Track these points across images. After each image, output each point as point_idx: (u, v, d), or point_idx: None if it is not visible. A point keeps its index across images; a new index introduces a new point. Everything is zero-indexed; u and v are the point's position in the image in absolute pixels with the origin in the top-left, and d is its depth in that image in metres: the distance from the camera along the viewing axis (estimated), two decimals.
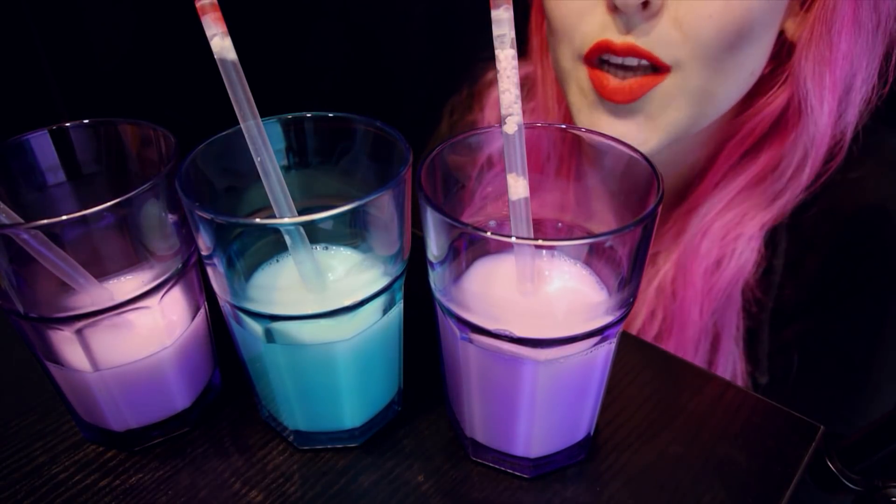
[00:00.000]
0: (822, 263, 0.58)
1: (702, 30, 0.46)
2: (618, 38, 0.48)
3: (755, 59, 0.50)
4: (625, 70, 0.49)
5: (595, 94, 0.51)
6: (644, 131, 0.51)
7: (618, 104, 0.50)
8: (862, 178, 0.57)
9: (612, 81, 0.49)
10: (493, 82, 0.72)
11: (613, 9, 0.47)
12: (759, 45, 0.49)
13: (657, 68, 0.49)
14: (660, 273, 0.61)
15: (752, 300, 0.59)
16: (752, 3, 0.46)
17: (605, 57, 0.50)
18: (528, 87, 0.66)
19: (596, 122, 0.52)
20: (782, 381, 0.60)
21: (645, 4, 0.46)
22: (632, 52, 0.48)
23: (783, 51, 0.52)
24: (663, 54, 0.48)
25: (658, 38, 0.47)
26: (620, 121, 0.51)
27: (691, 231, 0.59)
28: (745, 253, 0.57)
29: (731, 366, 0.60)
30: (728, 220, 0.57)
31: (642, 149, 0.51)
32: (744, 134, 0.56)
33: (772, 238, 0.58)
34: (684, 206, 0.61)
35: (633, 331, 0.62)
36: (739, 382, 0.60)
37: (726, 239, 0.57)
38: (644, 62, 0.49)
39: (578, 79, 0.52)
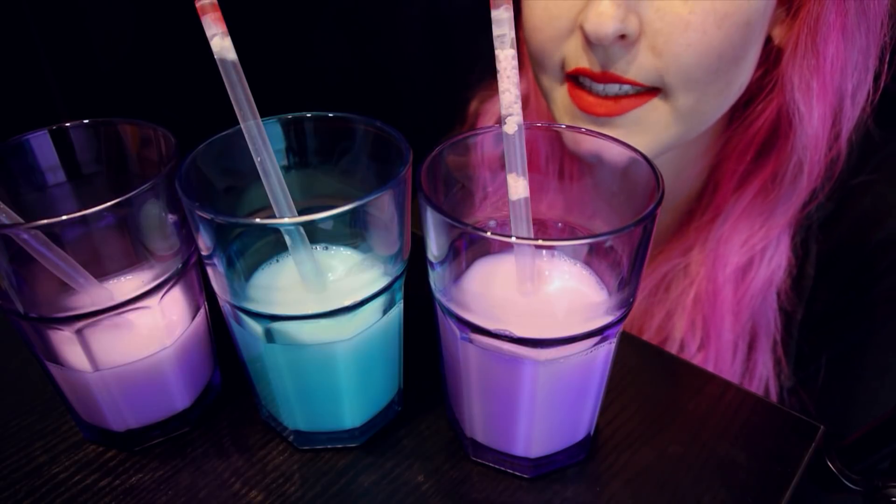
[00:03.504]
0: (852, 270, 0.58)
1: (681, 58, 0.45)
2: (597, 69, 0.47)
3: (742, 75, 0.49)
4: (605, 95, 0.49)
5: (576, 110, 0.51)
6: None
7: (598, 117, 0.49)
8: (887, 189, 0.57)
9: (591, 96, 0.49)
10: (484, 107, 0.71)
11: (589, 42, 0.46)
12: (744, 61, 0.48)
13: (640, 89, 0.48)
14: (694, 283, 0.61)
15: (787, 306, 0.59)
16: (730, 31, 0.45)
17: (585, 81, 0.49)
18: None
19: (578, 136, 0.52)
20: (808, 385, 0.60)
21: (622, 37, 0.45)
22: (611, 79, 0.47)
23: (771, 56, 0.52)
24: (645, 80, 0.47)
25: (638, 67, 0.46)
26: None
27: (713, 240, 0.59)
28: (775, 258, 0.57)
29: (766, 372, 0.60)
30: (746, 226, 0.57)
31: (624, 161, 0.50)
32: (746, 141, 0.56)
33: (804, 244, 0.58)
34: (706, 216, 0.61)
35: (676, 341, 0.61)
36: (773, 387, 0.60)
37: (747, 245, 0.57)
38: (626, 87, 0.48)
39: (559, 96, 0.52)
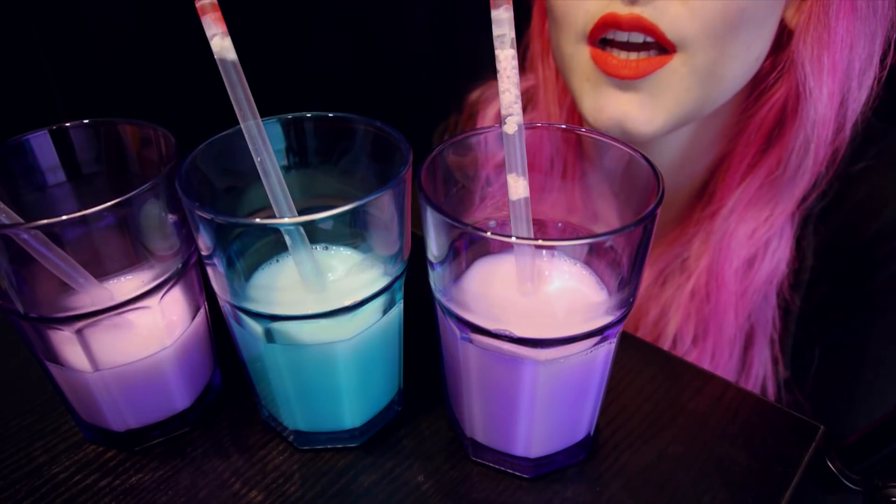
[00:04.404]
0: (848, 260, 0.58)
1: (707, 8, 0.46)
2: (623, 10, 0.47)
3: (759, 43, 0.50)
4: (629, 49, 0.49)
5: (599, 74, 0.50)
6: (648, 111, 0.50)
7: (622, 80, 0.49)
8: (884, 179, 0.57)
9: (616, 58, 0.49)
10: (482, 104, 0.71)
11: None
12: (762, 27, 0.49)
13: (662, 48, 0.48)
14: (692, 277, 0.60)
15: (786, 300, 0.58)
16: None
17: (610, 35, 0.49)
18: (527, 97, 0.65)
19: (601, 101, 0.51)
20: (803, 377, 0.60)
21: None
22: (638, 24, 0.47)
23: (783, 39, 0.52)
24: (669, 30, 0.47)
25: (664, 13, 0.47)
26: (625, 99, 0.50)
27: (718, 233, 0.58)
28: (778, 251, 0.57)
29: (763, 369, 0.60)
30: (752, 218, 0.57)
31: (647, 129, 0.50)
32: (753, 129, 0.56)
33: (801, 238, 0.58)
34: (708, 208, 0.60)
35: (669, 336, 0.61)
36: (771, 384, 0.60)
37: (754, 238, 0.57)
38: (649, 40, 0.48)
39: (581, 61, 0.52)
